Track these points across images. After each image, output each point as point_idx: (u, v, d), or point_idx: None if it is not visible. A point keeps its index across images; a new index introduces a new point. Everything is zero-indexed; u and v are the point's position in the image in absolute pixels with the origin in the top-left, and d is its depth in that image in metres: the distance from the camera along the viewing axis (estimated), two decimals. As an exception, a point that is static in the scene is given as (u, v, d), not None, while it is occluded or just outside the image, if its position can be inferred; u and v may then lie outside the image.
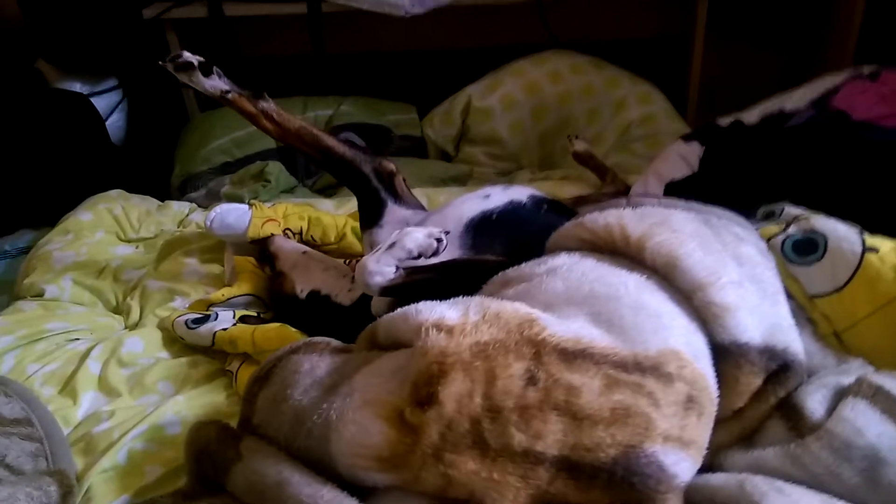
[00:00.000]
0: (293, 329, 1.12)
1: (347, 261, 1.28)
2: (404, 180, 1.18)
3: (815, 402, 0.74)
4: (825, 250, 0.85)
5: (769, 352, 0.75)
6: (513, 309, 0.76)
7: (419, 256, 0.95)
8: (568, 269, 0.83)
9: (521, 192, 1.11)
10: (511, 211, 1.07)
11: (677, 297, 0.78)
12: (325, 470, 0.74)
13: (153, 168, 2.08)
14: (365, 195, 1.15)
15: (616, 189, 1.63)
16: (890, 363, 0.80)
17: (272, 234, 1.33)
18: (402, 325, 0.79)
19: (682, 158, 1.60)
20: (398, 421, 0.71)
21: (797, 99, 1.59)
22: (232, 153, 1.88)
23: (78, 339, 1.21)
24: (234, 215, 1.34)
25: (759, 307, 0.78)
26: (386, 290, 0.96)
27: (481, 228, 1.05)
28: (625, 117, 1.96)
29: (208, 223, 1.35)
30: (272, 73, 2.13)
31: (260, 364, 0.90)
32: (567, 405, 0.67)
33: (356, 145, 1.17)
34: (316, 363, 0.84)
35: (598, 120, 1.98)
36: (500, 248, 1.03)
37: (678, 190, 1.32)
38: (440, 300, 0.82)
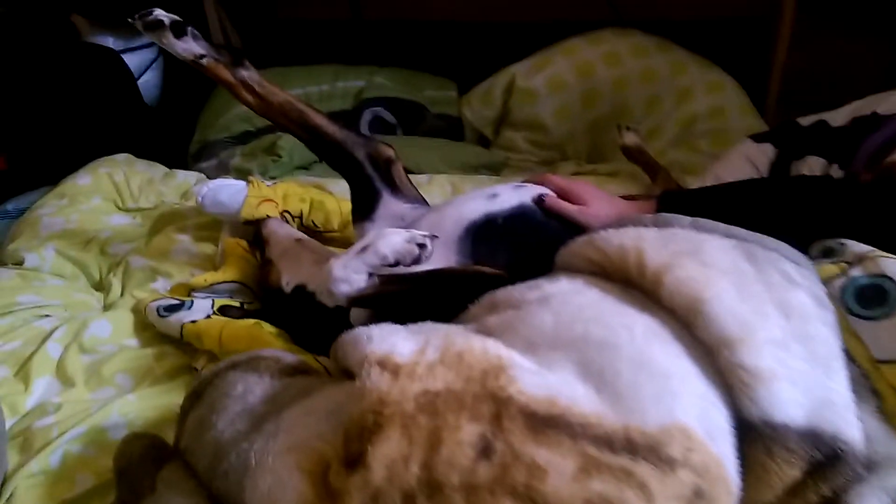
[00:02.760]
0: (268, 329, 1.00)
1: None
2: (404, 169, 1.03)
3: (868, 510, 0.56)
4: (901, 302, 0.65)
5: (813, 437, 0.57)
6: (482, 349, 0.61)
7: (397, 264, 0.80)
8: (563, 299, 0.67)
9: (535, 193, 0.94)
10: (520, 215, 0.91)
11: (698, 352, 0.61)
12: (240, 523, 0.62)
13: (185, 132, 1.99)
14: (357, 184, 1.01)
15: (668, 191, 1.43)
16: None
17: (268, 217, 1.20)
18: (351, 352, 0.66)
19: (749, 161, 1.39)
20: (321, 479, 0.58)
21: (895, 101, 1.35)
22: (253, 122, 1.75)
23: (48, 315, 1.12)
24: (227, 192, 1.22)
25: (805, 376, 0.59)
26: (356, 301, 0.82)
27: (484, 233, 0.90)
28: (690, 109, 1.76)
29: (199, 199, 1.23)
30: (305, 37, 2.01)
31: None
32: (527, 491, 0.52)
33: (356, 128, 1.02)
34: (251, 386, 0.71)
35: (659, 110, 1.78)
36: (504, 258, 0.88)
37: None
38: (414, 321, 0.68)
